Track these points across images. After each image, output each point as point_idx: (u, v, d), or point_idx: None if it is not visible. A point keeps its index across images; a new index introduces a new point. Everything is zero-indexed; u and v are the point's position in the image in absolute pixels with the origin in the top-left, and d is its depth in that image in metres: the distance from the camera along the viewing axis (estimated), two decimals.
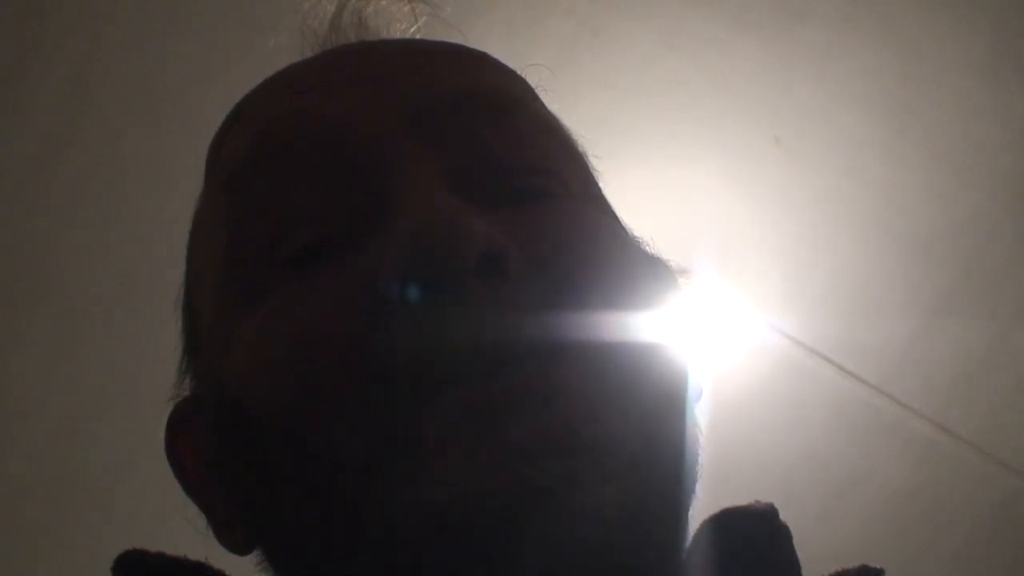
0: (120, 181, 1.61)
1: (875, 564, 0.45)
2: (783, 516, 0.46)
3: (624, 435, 0.36)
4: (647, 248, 0.46)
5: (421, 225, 0.36)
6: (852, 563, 0.46)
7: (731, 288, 1.82)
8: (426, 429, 0.34)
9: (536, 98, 0.48)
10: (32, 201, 1.62)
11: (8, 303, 1.68)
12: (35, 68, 1.51)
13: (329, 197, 0.40)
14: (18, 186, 1.60)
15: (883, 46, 1.60)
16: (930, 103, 1.65)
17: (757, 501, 0.46)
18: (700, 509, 0.43)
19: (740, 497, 0.47)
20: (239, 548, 0.43)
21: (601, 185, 0.48)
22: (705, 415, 0.43)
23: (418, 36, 0.50)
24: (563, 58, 1.59)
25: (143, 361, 1.21)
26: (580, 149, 0.48)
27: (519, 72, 0.48)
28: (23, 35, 1.49)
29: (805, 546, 0.46)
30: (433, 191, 0.37)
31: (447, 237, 0.35)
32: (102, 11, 1.49)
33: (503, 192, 0.41)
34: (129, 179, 1.61)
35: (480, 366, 0.35)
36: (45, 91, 1.53)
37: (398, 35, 0.50)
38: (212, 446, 0.42)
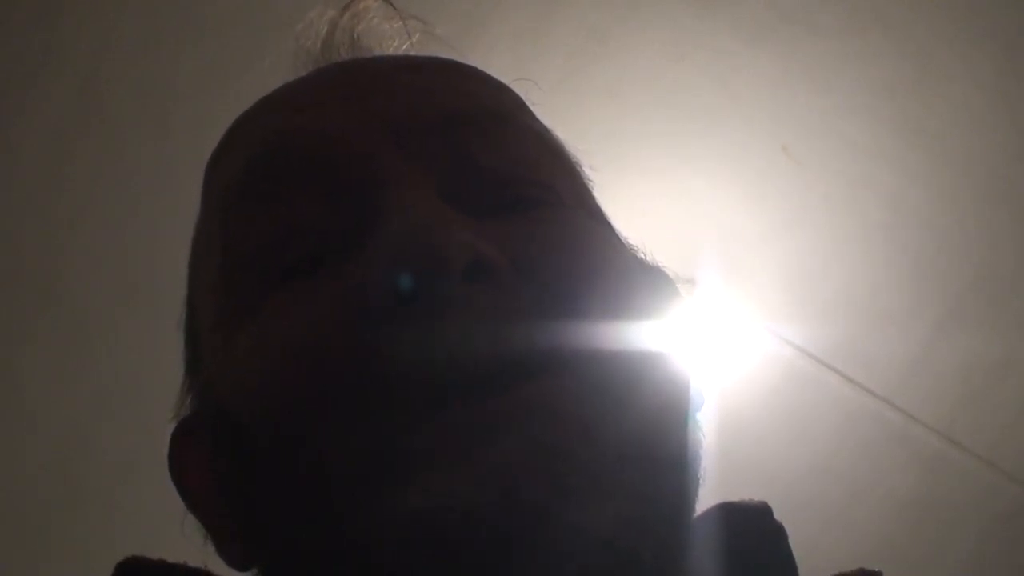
0: (128, 186, 1.62)
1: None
2: (791, 526, 0.45)
3: (621, 450, 0.35)
4: (643, 257, 0.46)
5: (407, 232, 0.36)
6: None
7: (739, 298, 1.82)
8: (415, 442, 0.34)
9: (527, 110, 0.48)
10: (41, 206, 1.62)
11: (16, 307, 1.69)
12: (44, 75, 1.52)
13: (322, 212, 0.40)
14: (27, 191, 1.61)
15: (892, 57, 1.60)
16: (938, 114, 1.65)
17: (751, 499, 0.45)
18: None
19: None
20: (239, 563, 0.43)
21: (596, 195, 0.48)
22: (712, 425, 0.42)
23: (412, 52, 0.50)
24: (571, 67, 1.59)
25: (150, 366, 1.22)
26: (573, 159, 0.48)
27: (518, 84, 0.48)
28: (32, 43, 1.49)
29: (811, 556, 0.45)
30: (422, 202, 0.37)
31: (433, 243, 0.35)
32: (110, 19, 1.50)
33: (493, 204, 0.40)
34: (137, 185, 1.61)
35: (470, 378, 0.34)
36: (54, 98, 1.54)
37: (391, 52, 0.50)
38: (212, 460, 0.42)
